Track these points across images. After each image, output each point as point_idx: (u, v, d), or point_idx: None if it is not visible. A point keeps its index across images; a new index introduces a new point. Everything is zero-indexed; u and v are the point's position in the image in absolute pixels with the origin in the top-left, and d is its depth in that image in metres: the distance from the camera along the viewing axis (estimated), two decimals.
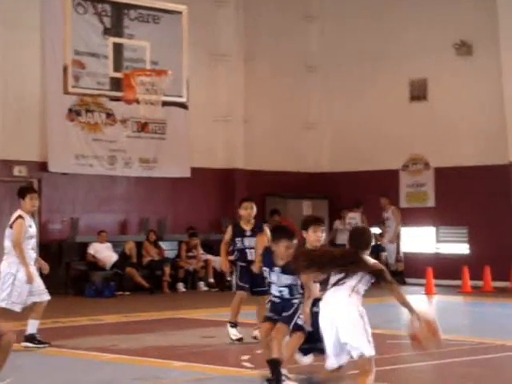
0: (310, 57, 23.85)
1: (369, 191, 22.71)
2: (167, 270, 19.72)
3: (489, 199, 21.06)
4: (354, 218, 22.01)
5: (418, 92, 22.62)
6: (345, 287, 7.31)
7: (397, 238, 22.03)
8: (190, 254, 20.46)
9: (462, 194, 21.48)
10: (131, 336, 12.25)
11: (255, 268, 10.40)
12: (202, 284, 20.19)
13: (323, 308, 7.42)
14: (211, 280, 20.22)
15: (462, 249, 21.98)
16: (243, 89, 22.53)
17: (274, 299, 8.72)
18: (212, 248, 20.36)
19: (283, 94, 23.28)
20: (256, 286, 11.35)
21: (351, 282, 7.30)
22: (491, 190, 21.04)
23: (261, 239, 11.42)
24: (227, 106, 22.30)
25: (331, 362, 7.40)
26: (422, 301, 18.32)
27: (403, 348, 11.29)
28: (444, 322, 14.25)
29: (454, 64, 21.77)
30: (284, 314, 8.58)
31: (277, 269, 8.59)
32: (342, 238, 22.48)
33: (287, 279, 8.59)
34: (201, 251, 20.56)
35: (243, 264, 11.59)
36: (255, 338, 11.29)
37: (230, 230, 11.85)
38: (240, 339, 11.47)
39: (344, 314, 7.26)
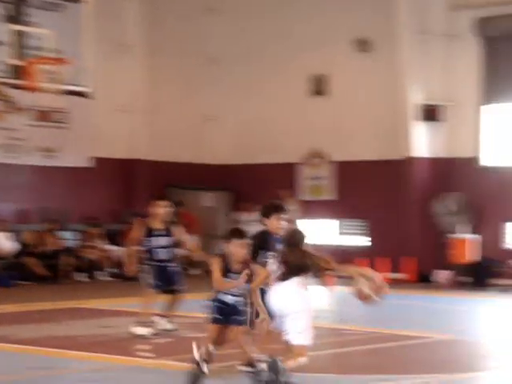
0: (212, 50, 23.79)
1: (269, 184, 22.82)
2: (67, 259, 19.45)
3: (388, 193, 21.38)
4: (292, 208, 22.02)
5: (318, 87, 22.80)
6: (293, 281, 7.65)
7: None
8: (92, 243, 20.22)
9: (361, 187, 21.76)
10: (30, 326, 12.02)
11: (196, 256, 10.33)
12: (102, 274, 19.98)
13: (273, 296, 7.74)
14: (112, 270, 20.02)
15: (362, 241, 22.28)
16: (147, 80, 22.36)
17: (221, 305, 8.14)
18: (113, 238, 20.17)
19: (186, 86, 23.20)
20: (170, 284, 11.40)
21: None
22: (390, 184, 21.36)
23: (180, 230, 11.43)
24: (131, 97, 22.09)
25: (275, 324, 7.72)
26: (322, 292, 18.50)
27: None
28: (341, 311, 14.50)
29: (352, 60, 22.00)
30: (237, 318, 8.14)
31: (235, 275, 8.04)
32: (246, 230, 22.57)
33: (246, 285, 8.08)
34: (102, 241, 20.35)
35: (157, 263, 11.47)
36: (166, 329, 11.29)
37: (137, 229, 11.57)
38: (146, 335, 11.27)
39: (290, 304, 7.57)
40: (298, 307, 7.64)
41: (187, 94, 23.25)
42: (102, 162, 21.21)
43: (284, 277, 7.70)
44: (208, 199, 23.30)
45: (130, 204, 20.93)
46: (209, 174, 23.52)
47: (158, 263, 11.43)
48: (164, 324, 11.48)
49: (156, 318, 11.40)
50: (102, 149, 21.25)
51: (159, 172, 22.28)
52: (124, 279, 19.24)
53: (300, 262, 7.73)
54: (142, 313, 11.33)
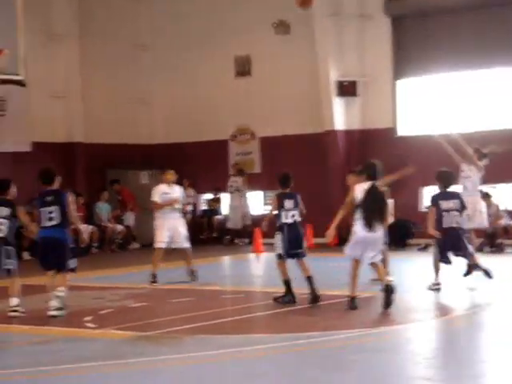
0: (140, 35, 23.56)
1: (201, 161, 22.77)
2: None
3: (308, 164, 21.53)
4: (235, 181, 21.95)
5: (243, 68, 22.78)
6: None
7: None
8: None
9: (285, 160, 21.82)
10: None
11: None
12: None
13: None
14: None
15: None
16: (79, 66, 22.07)
17: None
18: None
19: (118, 71, 22.97)
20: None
21: None
22: (310, 156, 21.53)
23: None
24: (65, 83, 21.81)
25: None
26: (251, 258, 18.59)
27: (236, 302, 11.43)
28: (270, 276, 14.54)
29: (273, 42, 22.05)
30: None
31: None
32: None
33: None
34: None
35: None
36: None
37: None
38: None
39: None
40: None
41: (120, 78, 23.02)
42: (40, 146, 20.88)
43: None
44: (144, 177, 23.12)
45: (69, 186, 20.60)
46: (144, 153, 23.36)
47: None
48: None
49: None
50: (40, 134, 20.96)
51: (97, 154, 22.07)
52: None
53: None
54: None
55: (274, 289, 12.46)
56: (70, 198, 10.88)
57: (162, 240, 13.71)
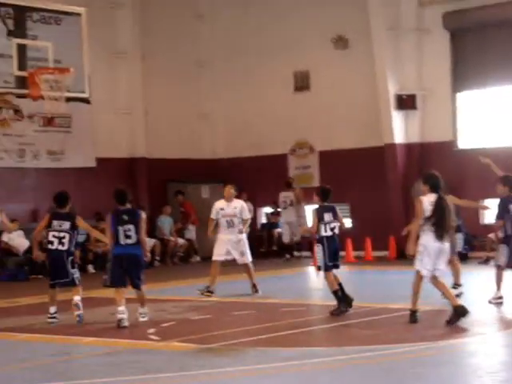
0: (201, 53, 23.80)
1: (260, 175, 22.84)
2: (77, 253, 19.29)
3: (367, 178, 21.43)
4: (287, 196, 21.94)
5: (302, 83, 22.82)
6: None
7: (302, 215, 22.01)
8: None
9: (344, 173, 21.78)
10: (45, 316, 11.95)
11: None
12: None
13: None
14: None
15: (345, 223, 22.25)
16: (141, 83, 22.36)
17: None
18: None
19: (179, 88, 23.22)
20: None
21: None
22: (369, 170, 21.40)
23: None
24: (128, 100, 22.12)
25: None
26: (310, 272, 18.55)
27: (296, 315, 11.42)
28: (329, 291, 14.44)
29: (332, 57, 22.04)
30: None
31: None
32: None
33: None
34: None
35: None
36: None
37: None
38: None
39: None
40: None
41: (180, 94, 23.26)
42: (104, 161, 21.22)
43: None
44: (204, 191, 23.28)
45: (132, 200, 20.83)
46: (205, 168, 23.53)
47: None
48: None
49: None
50: (104, 149, 21.29)
51: (158, 168, 22.29)
52: None
53: None
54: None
55: (335, 302, 12.42)
56: (143, 217, 11.23)
57: (219, 253, 13.78)
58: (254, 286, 13.79)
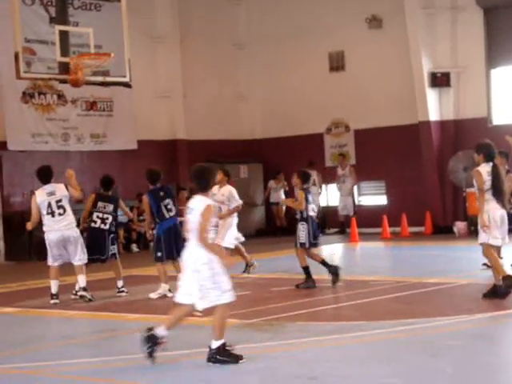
0: (238, 35, 23.75)
1: (298, 154, 22.76)
2: (121, 232, 19.52)
3: (402, 155, 21.27)
4: (344, 173, 21.85)
5: (337, 63, 22.66)
6: None
7: (352, 192, 21.89)
8: (141, 217, 20.25)
9: (379, 151, 21.65)
10: (94, 293, 12.05)
11: None
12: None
13: None
14: None
15: (381, 200, 22.20)
16: (180, 66, 22.39)
17: None
18: None
19: (216, 70, 23.18)
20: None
21: None
22: (404, 147, 21.24)
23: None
24: (167, 83, 22.16)
25: None
26: (347, 248, 18.49)
27: (334, 290, 11.39)
28: (367, 265, 14.44)
29: (367, 36, 21.84)
30: None
31: None
32: (276, 196, 22.59)
33: None
34: None
35: None
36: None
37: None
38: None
39: None
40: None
41: (218, 76, 23.23)
42: (145, 143, 21.31)
43: None
44: (242, 171, 23.28)
45: (172, 180, 20.94)
46: (243, 148, 23.51)
47: None
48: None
49: None
50: (145, 132, 21.38)
51: (197, 149, 22.31)
52: None
53: None
54: None
55: (373, 277, 12.39)
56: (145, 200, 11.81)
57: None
58: (246, 265, 13.42)
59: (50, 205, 11.29)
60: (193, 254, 7.10)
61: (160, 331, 7.16)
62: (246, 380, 6.61)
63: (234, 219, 13.43)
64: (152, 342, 7.14)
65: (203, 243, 7.03)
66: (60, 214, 11.29)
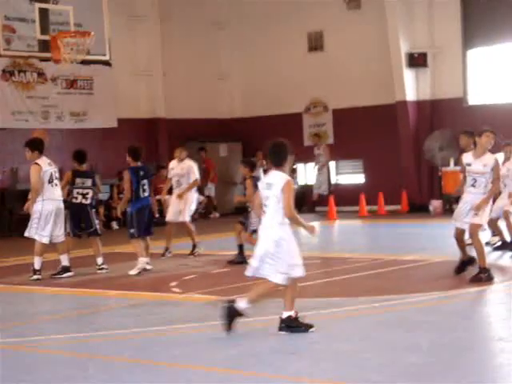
0: (218, 14, 23.62)
1: (277, 133, 22.65)
2: (101, 210, 19.44)
3: (379, 134, 21.33)
4: (319, 153, 21.89)
5: (315, 43, 22.63)
6: None
7: (326, 171, 21.91)
8: (121, 195, 20.16)
9: (357, 131, 21.70)
10: (75, 270, 12.03)
11: None
12: None
13: None
14: None
15: (359, 179, 22.27)
16: (160, 45, 22.27)
17: None
18: None
19: (196, 49, 23.09)
20: None
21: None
22: (381, 127, 21.30)
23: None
24: (147, 62, 22.07)
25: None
26: (325, 226, 18.56)
27: (312, 267, 11.43)
28: (344, 242, 14.49)
29: (345, 17, 21.81)
30: None
31: None
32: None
33: None
34: None
35: None
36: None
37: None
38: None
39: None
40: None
41: (198, 56, 23.14)
42: (125, 122, 21.20)
43: None
44: (222, 150, 23.25)
45: (153, 159, 20.89)
46: (223, 127, 23.48)
47: None
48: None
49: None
50: (125, 110, 21.27)
51: (177, 128, 22.26)
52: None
53: None
54: None
55: (350, 254, 12.45)
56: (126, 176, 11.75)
57: (169, 213, 13.54)
58: (193, 246, 13.39)
59: (51, 174, 11.33)
60: (271, 229, 7.14)
61: (242, 304, 7.18)
62: (226, 354, 6.64)
63: (194, 194, 13.51)
64: (231, 314, 7.17)
65: (291, 216, 7.10)
66: (56, 185, 11.38)
